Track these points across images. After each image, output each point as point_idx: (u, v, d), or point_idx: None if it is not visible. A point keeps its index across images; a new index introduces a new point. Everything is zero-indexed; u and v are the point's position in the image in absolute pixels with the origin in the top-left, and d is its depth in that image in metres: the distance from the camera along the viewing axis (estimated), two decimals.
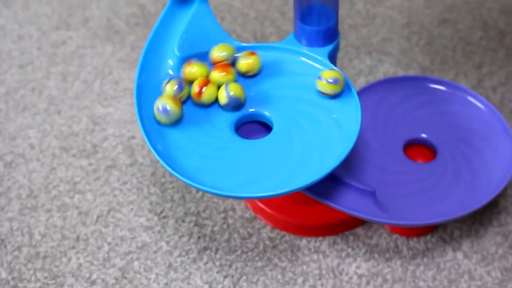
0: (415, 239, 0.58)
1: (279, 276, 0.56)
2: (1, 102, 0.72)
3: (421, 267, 0.56)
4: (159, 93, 0.51)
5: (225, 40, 0.54)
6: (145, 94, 0.51)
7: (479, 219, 0.59)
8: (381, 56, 0.75)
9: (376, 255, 0.57)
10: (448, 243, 0.58)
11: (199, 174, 0.47)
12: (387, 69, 0.74)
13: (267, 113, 0.51)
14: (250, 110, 0.51)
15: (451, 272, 0.56)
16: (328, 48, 0.54)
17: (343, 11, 0.80)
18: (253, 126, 0.51)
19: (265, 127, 0.52)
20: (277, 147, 0.49)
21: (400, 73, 0.73)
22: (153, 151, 0.48)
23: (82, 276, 0.57)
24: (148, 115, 0.50)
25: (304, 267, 0.57)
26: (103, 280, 0.57)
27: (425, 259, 0.57)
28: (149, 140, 0.48)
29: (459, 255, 0.57)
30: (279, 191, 0.46)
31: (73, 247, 0.59)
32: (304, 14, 0.53)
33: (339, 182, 0.52)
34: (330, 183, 0.52)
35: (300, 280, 0.56)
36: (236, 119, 0.50)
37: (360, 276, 0.56)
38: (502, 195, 0.61)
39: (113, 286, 0.56)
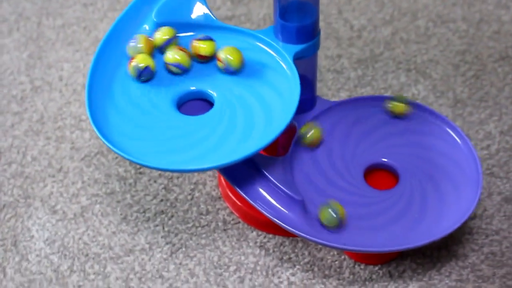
0: (362, 266, 0.56)
1: (215, 258, 0.57)
2: (53, 33, 0.78)
3: None
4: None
5: (204, 14, 0.55)
6: (106, 59, 0.53)
7: (438, 267, 0.56)
8: (419, 77, 0.72)
9: (316, 269, 0.56)
10: (394, 279, 0.55)
11: (141, 149, 0.49)
12: (418, 91, 0.70)
13: (209, 91, 0.52)
14: (192, 88, 0.52)
15: None
16: (298, 47, 0.53)
17: (400, 24, 0.77)
18: (197, 104, 0.52)
19: (209, 104, 0.53)
20: (220, 121, 0.50)
21: (431, 98, 0.69)
22: (93, 126, 0.50)
23: (49, 203, 0.62)
24: (100, 79, 0.53)
25: (242, 257, 0.57)
26: (63, 212, 0.61)
27: None
28: (91, 112, 0.51)
29: None
30: (223, 162, 0.47)
31: (53, 176, 0.64)
32: (282, 8, 0.53)
33: (269, 185, 0.52)
34: (262, 184, 0.52)
35: (232, 268, 0.56)
36: (178, 96, 0.51)
37: (290, 284, 0.55)
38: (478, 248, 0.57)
39: (69, 220, 0.60)
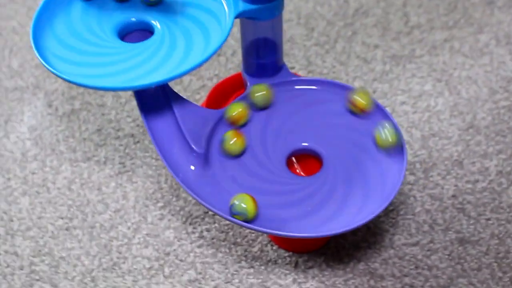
0: (275, 247, 0.56)
1: (151, 191, 0.60)
2: None
3: (250, 270, 0.54)
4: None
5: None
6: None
7: (346, 275, 0.54)
8: (445, 90, 0.66)
9: (231, 233, 0.57)
10: (296, 271, 0.54)
11: (77, 71, 0.50)
12: (435, 104, 0.65)
13: (151, 20, 0.52)
14: (133, 19, 0.53)
15: None
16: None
17: (460, 32, 0.71)
18: (139, 35, 0.53)
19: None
20: (160, 46, 0.51)
21: (445, 115, 0.64)
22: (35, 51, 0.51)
23: (49, 98, 0.68)
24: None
25: (174, 198, 0.60)
26: (56, 109, 0.67)
27: (262, 267, 0.54)
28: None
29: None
30: (165, 77, 0.48)
31: None
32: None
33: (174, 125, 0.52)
34: (168, 123, 0.52)
35: (160, 204, 0.59)
36: (121, 26, 0.53)
37: (201, 237, 0.57)
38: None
39: (57, 117, 0.66)
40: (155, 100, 0.51)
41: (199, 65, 0.48)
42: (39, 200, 0.60)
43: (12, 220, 0.59)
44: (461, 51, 0.70)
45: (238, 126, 0.54)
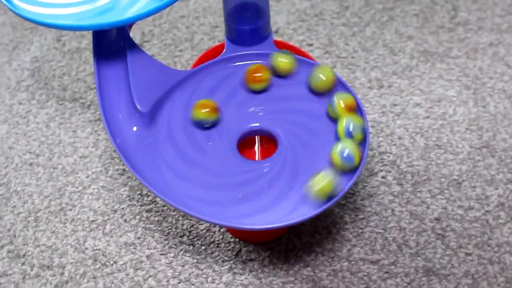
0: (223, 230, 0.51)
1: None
2: None
3: (189, 247, 0.50)
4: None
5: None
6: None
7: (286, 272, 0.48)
8: (470, 100, 0.58)
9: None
10: (236, 259, 0.50)
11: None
12: (454, 113, 0.57)
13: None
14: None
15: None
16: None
17: None
18: None
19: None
20: None
21: (461, 127, 0.56)
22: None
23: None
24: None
25: None
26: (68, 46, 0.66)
27: (202, 248, 0.50)
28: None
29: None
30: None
31: None
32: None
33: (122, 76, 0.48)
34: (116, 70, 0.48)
35: None
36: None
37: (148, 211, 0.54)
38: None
39: (68, 53, 0.65)
40: (112, 47, 0.48)
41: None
42: (16, 130, 0.60)
43: None
44: (505, 60, 0.61)
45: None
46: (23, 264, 0.51)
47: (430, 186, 0.54)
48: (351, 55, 0.63)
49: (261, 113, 0.48)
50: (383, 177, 0.54)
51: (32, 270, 0.51)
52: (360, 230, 0.52)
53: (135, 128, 0.47)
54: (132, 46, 0.48)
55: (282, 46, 0.54)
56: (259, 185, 0.45)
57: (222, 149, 0.47)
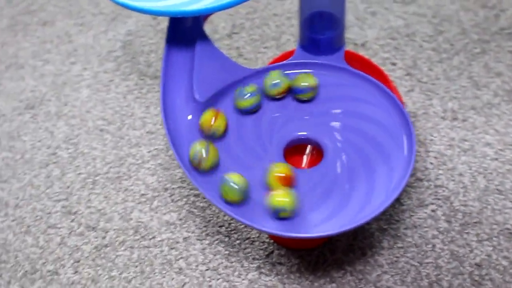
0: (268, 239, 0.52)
1: None
2: None
3: (225, 239, 0.51)
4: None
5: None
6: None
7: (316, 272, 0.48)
8: (504, 109, 0.55)
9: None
10: (272, 271, 0.50)
11: None
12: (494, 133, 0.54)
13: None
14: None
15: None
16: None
17: None
18: None
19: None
20: None
21: (492, 140, 0.53)
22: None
23: None
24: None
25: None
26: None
27: (237, 241, 0.51)
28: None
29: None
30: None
31: None
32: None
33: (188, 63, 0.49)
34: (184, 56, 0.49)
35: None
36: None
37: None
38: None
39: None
40: (184, 35, 0.50)
41: None
42: (96, 97, 0.64)
43: (66, 105, 0.63)
44: None
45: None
46: (72, 220, 0.55)
47: (479, 230, 0.52)
48: (433, 81, 0.61)
49: (308, 122, 0.49)
50: (432, 211, 0.53)
51: (78, 228, 0.54)
52: (395, 258, 0.51)
53: (190, 117, 0.49)
54: (203, 37, 0.50)
55: (355, 58, 0.54)
56: (300, 192, 0.46)
57: (270, 154, 0.48)
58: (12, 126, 0.62)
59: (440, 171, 0.55)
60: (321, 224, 0.44)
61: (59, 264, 0.52)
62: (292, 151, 0.49)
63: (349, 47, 0.65)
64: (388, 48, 0.65)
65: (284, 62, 0.51)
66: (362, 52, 0.64)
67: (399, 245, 0.51)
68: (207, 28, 0.68)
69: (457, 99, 0.60)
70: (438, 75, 0.62)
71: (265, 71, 0.50)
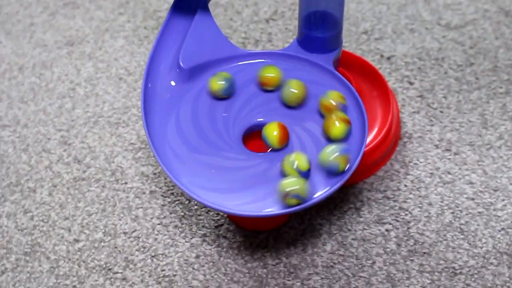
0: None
1: None
2: None
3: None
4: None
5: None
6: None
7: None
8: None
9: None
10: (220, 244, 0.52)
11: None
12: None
13: None
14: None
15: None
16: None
17: None
18: None
19: None
20: None
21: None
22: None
23: None
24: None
25: None
26: None
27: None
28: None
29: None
30: None
31: None
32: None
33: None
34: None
35: None
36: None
37: None
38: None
39: None
40: (189, 5, 0.53)
41: None
42: (129, 47, 0.68)
43: (100, 49, 0.68)
44: None
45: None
46: (64, 150, 0.60)
47: (424, 261, 0.51)
48: (442, 109, 0.60)
49: (267, 110, 0.50)
50: (387, 230, 0.53)
51: (67, 158, 0.59)
52: (331, 263, 0.51)
53: (173, 83, 0.52)
54: (205, 10, 0.52)
55: (351, 58, 0.56)
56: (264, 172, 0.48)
57: (228, 141, 0.50)
58: (49, 57, 0.68)
59: (411, 195, 0.55)
60: (254, 203, 0.46)
61: (39, 184, 0.58)
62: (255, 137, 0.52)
63: (374, 58, 0.65)
64: (412, 67, 0.64)
65: (273, 51, 0.53)
66: (385, 65, 0.64)
67: (341, 252, 0.52)
68: (249, 9, 0.70)
69: (458, 132, 0.58)
70: (451, 104, 0.61)
71: (254, 56, 0.52)
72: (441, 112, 0.60)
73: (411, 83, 0.63)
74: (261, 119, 0.50)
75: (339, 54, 0.53)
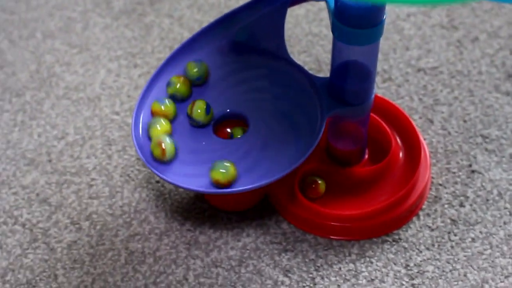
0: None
1: None
2: None
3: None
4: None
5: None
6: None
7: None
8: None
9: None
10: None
11: None
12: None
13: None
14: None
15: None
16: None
17: None
18: None
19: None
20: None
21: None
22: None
23: None
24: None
25: None
26: None
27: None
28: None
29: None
30: None
31: None
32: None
33: None
34: None
35: None
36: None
37: None
38: None
39: None
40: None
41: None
42: None
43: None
44: None
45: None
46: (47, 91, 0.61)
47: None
48: (434, 148, 0.56)
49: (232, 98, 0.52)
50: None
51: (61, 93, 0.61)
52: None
53: None
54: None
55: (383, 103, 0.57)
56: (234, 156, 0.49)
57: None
58: None
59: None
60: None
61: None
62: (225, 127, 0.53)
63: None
64: (440, 118, 0.60)
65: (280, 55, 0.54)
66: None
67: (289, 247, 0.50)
68: None
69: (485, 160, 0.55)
70: (451, 147, 0.56)
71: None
72: (431, 152, 0.57)
73: (431, 121, 0.59)
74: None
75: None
